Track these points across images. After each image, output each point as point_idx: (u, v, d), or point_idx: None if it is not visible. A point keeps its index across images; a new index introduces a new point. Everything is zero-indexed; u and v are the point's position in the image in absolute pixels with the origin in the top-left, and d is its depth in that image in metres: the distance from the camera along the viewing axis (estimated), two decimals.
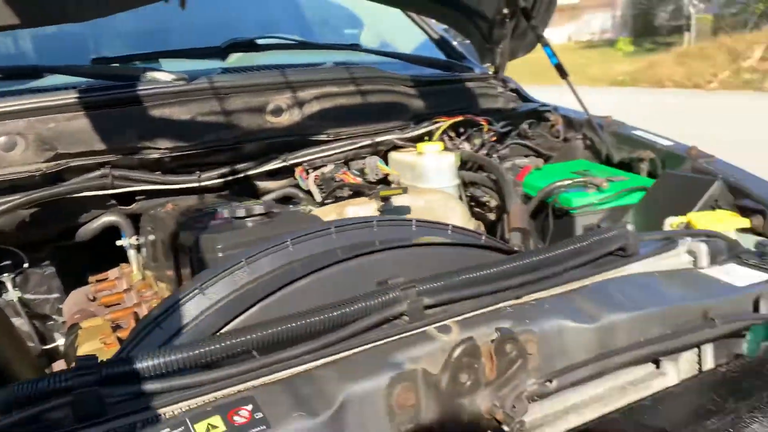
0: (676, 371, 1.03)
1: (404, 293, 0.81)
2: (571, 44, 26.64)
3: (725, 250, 1.08)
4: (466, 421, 0.72)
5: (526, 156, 2.07)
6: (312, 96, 1.81)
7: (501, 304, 0.84)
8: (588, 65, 17.83)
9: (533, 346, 0.78)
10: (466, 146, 2.11)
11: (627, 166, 1.90)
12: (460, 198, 1.87)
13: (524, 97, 2.41)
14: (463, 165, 2.00)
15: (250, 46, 2.08)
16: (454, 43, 2.73)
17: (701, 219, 1.24)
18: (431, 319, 0.80)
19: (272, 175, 1.84)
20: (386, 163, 1.94)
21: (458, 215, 1.61)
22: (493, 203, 1.94)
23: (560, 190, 1.67)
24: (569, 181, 1.66)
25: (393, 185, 1.84)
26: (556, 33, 30.06)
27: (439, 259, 1.02)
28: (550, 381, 0.81)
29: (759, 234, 1.43)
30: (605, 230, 1.01)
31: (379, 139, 1.89)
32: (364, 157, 1.91)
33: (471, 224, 1.64)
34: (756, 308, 0.95)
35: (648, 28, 22.01)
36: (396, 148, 1.97)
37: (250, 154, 1.79)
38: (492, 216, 1.97)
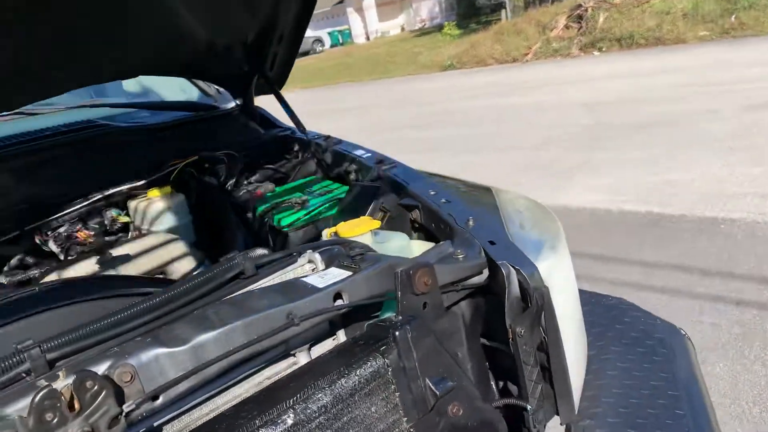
0: (309, 359, 1.30)
1: (27, 354, 1.00)
2: (406, 34, 27.66)
3: (342, 255, 1.35)
4: None
5: (262, 181, 2.30)
6: (35, 164, 1.94)
7: (112, 346, 1.05)
8: (419, 53, 18.69)
9: (128, 375, 0.99)
10: (214, 181, 2.32)
11: (343, 178, 2.19)
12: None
13: (272, 123, 2.66)
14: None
15: None
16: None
17: (344, 227, 1.52)
18: (53, 372, 1.00)
19: (13, 242, 1.95)
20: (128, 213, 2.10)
21: (180, 252, 1.81)
22: None
23: (272, 214, 1.92)
24: (275, 205, 1.91)
25: (132, 233, 2.01)
26: (391, 25, 31.14)
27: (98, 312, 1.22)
28: (156, 397, 1.04)
29: (419, 225, 1.74)
30: (225, 261, 1.24)
31: (109, 192, 2.05)
32: (104, 210, 2.06)
33: (195, 257, 1.85)
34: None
35: (471, 9, 23.28)
36: (134, 196, 2.13)
37: None
38: None
